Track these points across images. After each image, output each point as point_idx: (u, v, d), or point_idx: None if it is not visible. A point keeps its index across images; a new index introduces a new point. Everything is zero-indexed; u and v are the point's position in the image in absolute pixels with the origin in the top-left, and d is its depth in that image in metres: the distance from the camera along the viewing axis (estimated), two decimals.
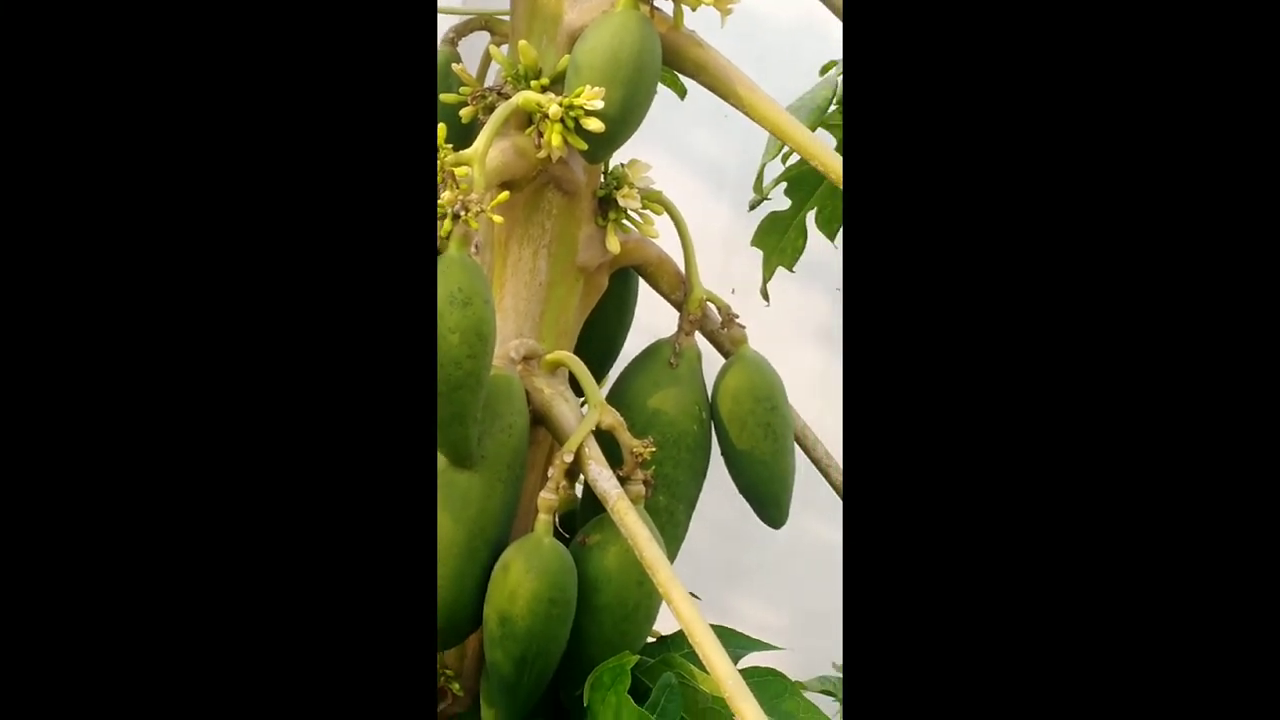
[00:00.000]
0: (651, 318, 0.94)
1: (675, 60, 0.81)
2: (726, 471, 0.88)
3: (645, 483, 0.78)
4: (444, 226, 0.72)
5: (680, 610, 0.70)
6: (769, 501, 0.87)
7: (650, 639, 0.83)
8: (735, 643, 0.83)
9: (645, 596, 0.79)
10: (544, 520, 0.77)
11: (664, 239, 0.88)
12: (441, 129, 0.72)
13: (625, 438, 0.78)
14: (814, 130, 1.10)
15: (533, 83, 0.80)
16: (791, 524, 0.96)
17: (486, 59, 0.90)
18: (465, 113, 0.84)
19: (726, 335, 0.88)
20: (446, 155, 0.73)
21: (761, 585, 1.40)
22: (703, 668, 0.77)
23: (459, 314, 0.70)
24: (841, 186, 0.75)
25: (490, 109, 0.82)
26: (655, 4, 0.79)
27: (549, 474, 0.78)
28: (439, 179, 0.72)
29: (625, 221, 0.85)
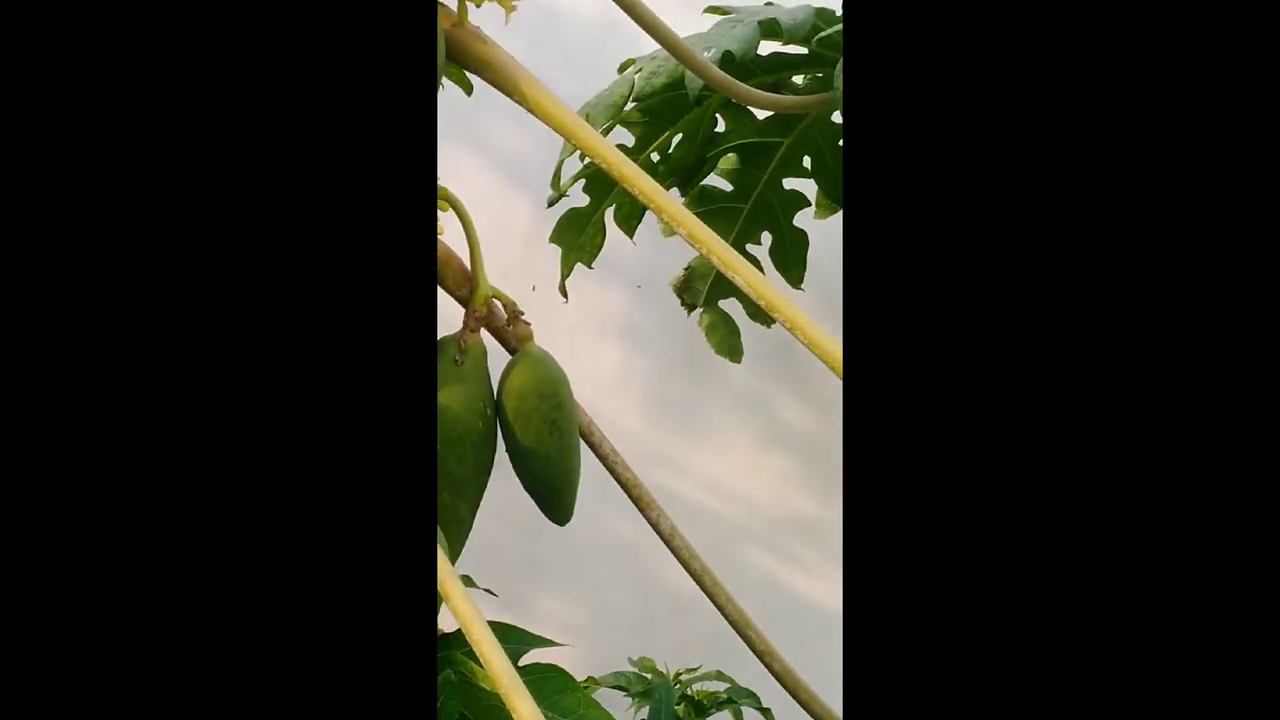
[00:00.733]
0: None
1: (460, 57, 0.80)
2: None
3: None
4: None
5: (457, 607, 0.70)
6: (554, 498, 0.88)
7: None
8: (516, 639, 0.83)
9: None
10: None
11: (451, 236, 0.87)
12: None
13: None
14: (612, 127, 1.11)
15: None
16: (592, 520, 0.96)
17: None
18: None
19: (512, 332, 0.88)
20: None
21: (561, 581, 1.40)
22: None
23: None
24: (624, 185, 0.76)
25: None
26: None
27: None
28: None
29: None
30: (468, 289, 0.87)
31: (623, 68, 1.15)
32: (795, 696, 0.96)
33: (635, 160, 1.18)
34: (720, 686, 1.19)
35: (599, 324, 1.44)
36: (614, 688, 1.13)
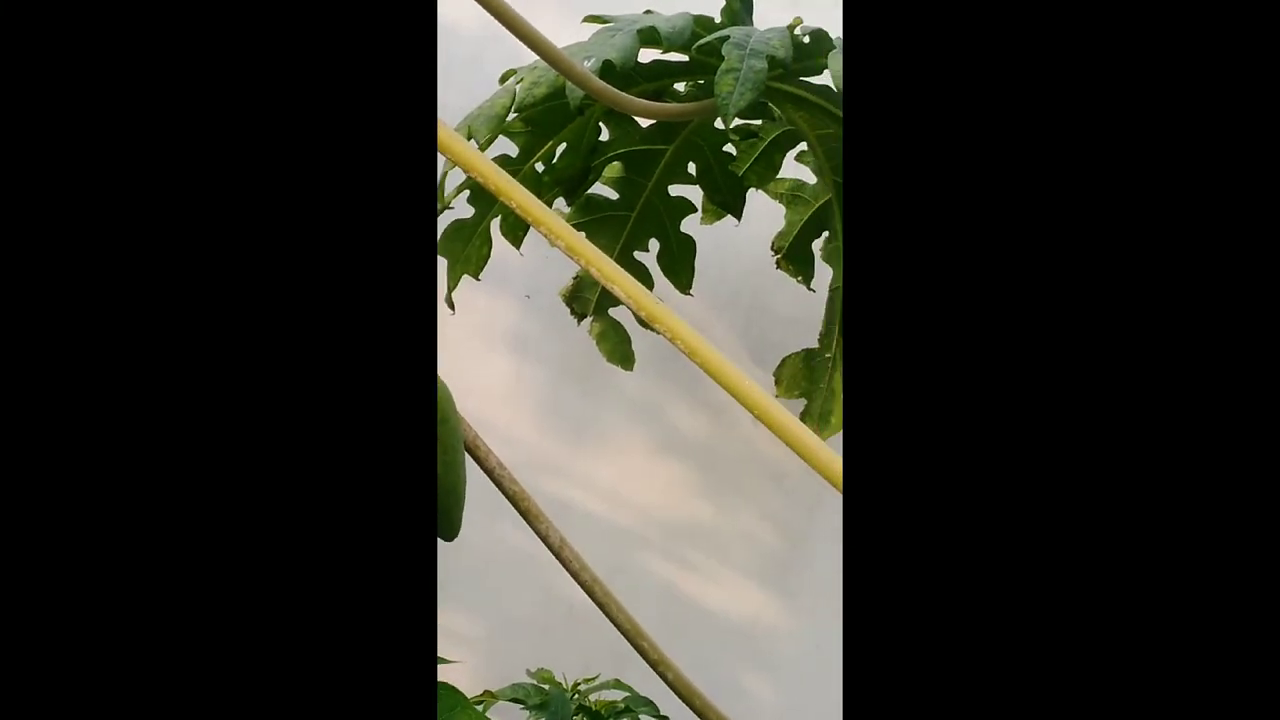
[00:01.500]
0: None
1: None
2: None
3: None
4: None
5: None
6: (439, 515, 0.87)
7: None
8: None
9: None
10: None
11: None
12: None
13: None
14: (494, 138, 1.11)
15: None
16: (485, 532, 0.96)
17: None
18: None
19: None
20: None
21: (460, 594, 1.39)
22: None
23: None
24: (501, 198, 0.75)
25: None
26: None
27: None
28: None
29: None
30: None
31: (504, 78, 1.15)
32: (690, 705, 0.96)
33: (519, 170, 1.18)
34: (619, 695, 1.18)
35: (488, 335, 1.43)
36: (511, 700, 1.13)
